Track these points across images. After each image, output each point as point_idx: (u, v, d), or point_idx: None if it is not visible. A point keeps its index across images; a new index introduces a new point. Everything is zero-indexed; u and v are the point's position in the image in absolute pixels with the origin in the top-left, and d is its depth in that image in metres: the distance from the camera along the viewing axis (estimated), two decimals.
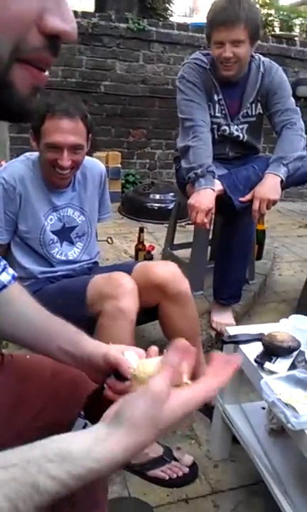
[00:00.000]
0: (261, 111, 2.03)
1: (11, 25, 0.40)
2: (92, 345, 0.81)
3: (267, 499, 1.20)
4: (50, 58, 0.44)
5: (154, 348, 0.76)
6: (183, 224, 2.99)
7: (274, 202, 1.83)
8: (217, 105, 1.98)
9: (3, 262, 0.89)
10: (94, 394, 0.83)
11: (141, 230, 2.45)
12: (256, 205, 1.81)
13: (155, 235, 2.98)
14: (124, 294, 1.30)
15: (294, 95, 2.10)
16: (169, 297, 1.47)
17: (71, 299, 1.39)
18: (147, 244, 2.55)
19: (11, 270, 0.89)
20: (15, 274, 0.91)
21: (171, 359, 0.59)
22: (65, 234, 1.61)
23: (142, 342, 1.79)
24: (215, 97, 1.96)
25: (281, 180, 1.84)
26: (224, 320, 1.99)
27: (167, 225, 2.57)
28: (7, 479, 0.45)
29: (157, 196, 3.50)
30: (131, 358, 0.77)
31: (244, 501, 1.33)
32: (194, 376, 1.78)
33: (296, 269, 2.82)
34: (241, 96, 1.98)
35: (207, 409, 1.58)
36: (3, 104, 0.44)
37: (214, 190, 1.82)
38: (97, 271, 1.69)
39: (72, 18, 0.43)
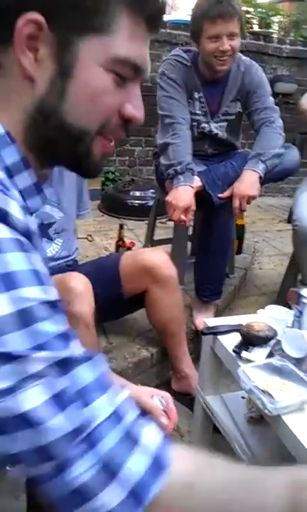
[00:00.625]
0: (240, 109, 2.05)
1: (104, 111, 0.56)
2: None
3: None
4: (122, 134, 0.60)
5: None
6: (164, 220, 3.00)
7: (253, 198, 1.85)
8: (197, 102, 1.99)
9: None
10: None
11: (121, 227, 2.46)
12: (236, 202, 1.82)
13: (136, 231, 2.98)
14: (74, 298, 1.28)
15: (272, 92, 2.13)
16: (157, 281, 1.54)
17: None
18: (127, 240, 2.56)
19: None
20: None
21: None
22: (43, 231, 1.60)
23: (124, 334, 1.79)
24: (196, 95, 1.97)
25: (260, 177, 1.86)
26: (206, 317, 2.01)
27: (147, 222, 2.58)
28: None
29: (137, 193, 3.50)
30: (158, 403, 0.84)
31: None
32: (178, 368, 1.80)
33: (276, 263, 2.85)
34: (221, 94, 2.00)
35: (188, 399, 1.60)
36: (82, 166, 0.62)
37: (192, 187, 1.83)
38: (81, 268, 1.70)
39: (142, 108, 0.59)
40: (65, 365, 0.43)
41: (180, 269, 2.19)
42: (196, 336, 1.94)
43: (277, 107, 2.03)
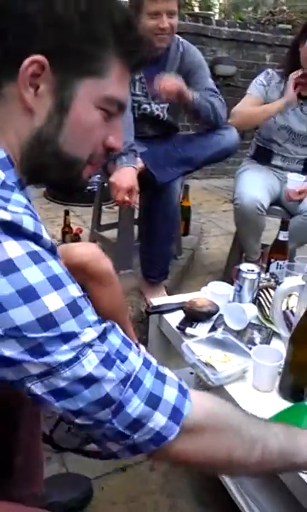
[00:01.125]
0: None
1: (93, 142, 0.66)
2: None
3: None
4: (103, 161, 0.71)
5: None
6: (111, 205, 2.99)
7: (178, 89, 1.83)
8: (137, 83, 1.98)
9: None
10: None
11: (67, 213, 2.43)
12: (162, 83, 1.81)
13: (83, 217, 2.96)
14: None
15: (213, 74, 2.16)
16: (91, 277, 1.48)
17: None
18: (74, 227, 2.54)
19: None
20: None
21: None
22: None
23: None
24: (136, 75, 1.96)
25: (192, 98, 1.87)
26: (159, 297, 2.03)
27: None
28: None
29: None
30: None
31: None
32: None
33: (222, 242, 2.92)
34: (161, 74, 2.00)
35: None
36: (70, 187, 0.72)
37: (136, 168, 1.83)
38: None
39: (121, 139, 0.70)
40: (102, 335, 0.57)
41: (127, 253, 2.21)
42: (146, 318, 1.96)
43: (217, 89, 2.06)
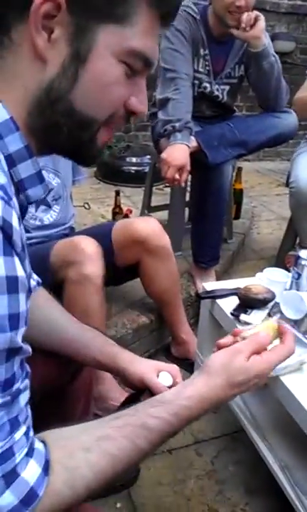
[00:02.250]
0: (243, 73, 1.98)
1: (113, 102, 0.58)
2: (126, 360, 0.86)
3: (246, 445, 1.24)
4: (124, 125, 0.63)
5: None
6: (161, 187, 2.96)
7: (257, 19, 1.74)
8: (201, 60, 1.91)
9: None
10: (131, 398, 0.88)
11: (117, 193, 2.42)
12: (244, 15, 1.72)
13: (133, 198, 2.95)
14: (87, 259, 1.26)
15: None
16: (150, 252, 1.49)
17: (35, 266, 1.38)
18: (124, 208, 2.53)
19: (35, 276, 0.88)
20: (40, 280, 0.90)
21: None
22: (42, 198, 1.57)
23: (123, 301, 1.80)
24: (201, 51, 1.89)
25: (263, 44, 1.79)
26: (209, 281, 2.00)
27: (144, 188, 2.54)
28: (122, 425, 0.59)
29: (133, 159, 3.44)
30: (165, 379, 0.84)
31: (226, 448, 1.38)
32: (175, 335, 1.79)
33: (275, 227, 2.83)
34: (226, 55, 1.93)
35: (188, 364, 1.62)
36: (83, 153, 0.62)
37: (189, 146, 1.78)
38: (74, 235, 1.67)
39: (146, 102, 0.61)
40: None
41: (178, 235, 2.18)
42: (197, 301, 1.94)
43: None
